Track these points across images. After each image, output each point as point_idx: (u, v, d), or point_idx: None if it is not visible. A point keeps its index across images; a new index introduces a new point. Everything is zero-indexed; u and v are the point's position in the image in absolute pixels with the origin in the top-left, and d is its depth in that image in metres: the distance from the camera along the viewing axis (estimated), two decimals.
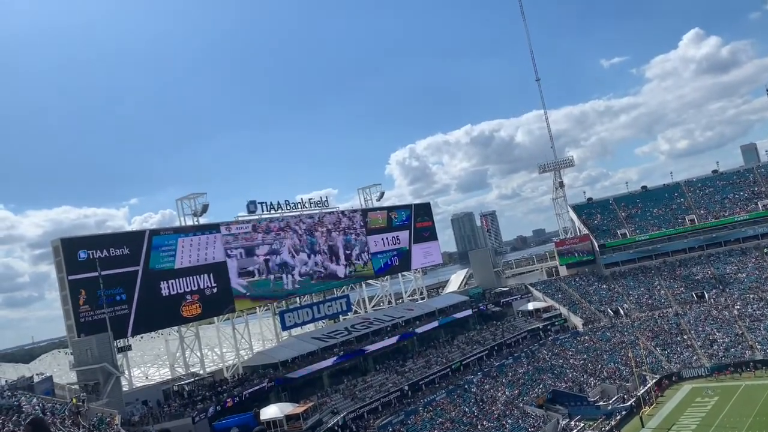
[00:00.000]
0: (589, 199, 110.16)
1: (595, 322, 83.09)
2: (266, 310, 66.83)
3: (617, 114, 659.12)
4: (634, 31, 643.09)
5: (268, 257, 64.30)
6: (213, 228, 59.76)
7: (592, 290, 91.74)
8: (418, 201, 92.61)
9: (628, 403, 61.15)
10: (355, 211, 79.14)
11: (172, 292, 54.06)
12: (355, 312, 78.54)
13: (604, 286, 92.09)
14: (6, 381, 41.36)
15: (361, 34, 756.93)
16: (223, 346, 61.47)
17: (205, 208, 58.86)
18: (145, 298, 51.48)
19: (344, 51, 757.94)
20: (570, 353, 75.78)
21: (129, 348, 51.50)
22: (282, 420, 47.20)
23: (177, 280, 54.59)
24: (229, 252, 60.23)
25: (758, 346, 69.32)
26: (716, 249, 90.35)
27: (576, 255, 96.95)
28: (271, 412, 48.27)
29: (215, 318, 61.20)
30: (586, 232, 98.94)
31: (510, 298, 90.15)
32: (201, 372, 56.54)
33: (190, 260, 56.38)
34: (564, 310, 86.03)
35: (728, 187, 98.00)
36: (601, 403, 62.21)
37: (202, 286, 56.55)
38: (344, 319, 73.12)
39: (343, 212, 76.94)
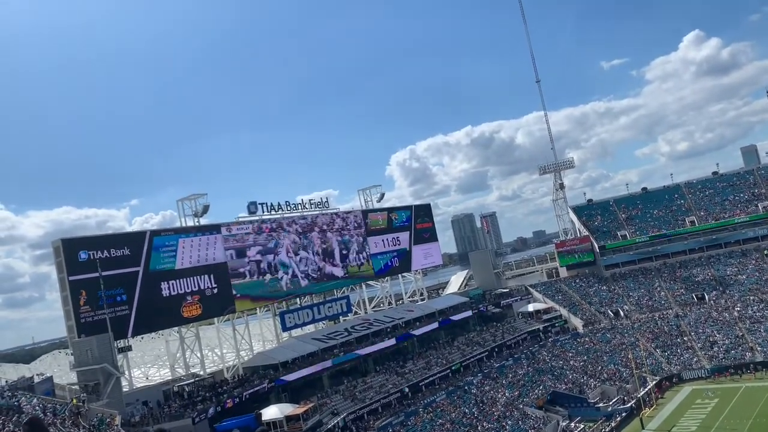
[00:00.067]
0: (590, 200, 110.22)
1: (596, 324, 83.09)
2: (266, 310, 66.84)
3: (617, 116, 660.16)
4: (634, 32, 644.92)
5: (268, 257, 64.43)
6: (214, 229, 59.87)
7: (593, 292, 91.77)
8: (418, 202, 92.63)
9: (628, 405, 61.11)
10: (355, 212, 79.22)
11: (172, 293, 54.13)
12: (356, 313, 78.56)
13: (605, 287, 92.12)
14: (6, 381, 41.48)
15: (362, 35, 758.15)
16: (224, 346, 61.47)
17: (205, 209, 58.97)
18: (146, 299, 51.53)
19: (345, 52, 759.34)
20: (570, 355, 75.78)
21: (129, 348, 51.54)
22: (282, 421, 47.38)
23: (177, 280, 54.66)
24: (230, 253, 60.30)
25: (758, 348, 69.32)
26: (716, 251, 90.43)
27: (576, 256, 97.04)
28: (271, 412, 48.43)
29: (215, 319, 61.22)
30: (587, 233, 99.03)
31: (510, 299, 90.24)
32: (201, 373, 56.54)
33: (191, 261, 56.45)
34: (564, 312, 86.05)
35: (728, 189, 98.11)
36: (601, 404, 62.19)
37: (202, 287, 56.63)
38: (344, 320, 73.14)
39: (343, 213, 76.99)
